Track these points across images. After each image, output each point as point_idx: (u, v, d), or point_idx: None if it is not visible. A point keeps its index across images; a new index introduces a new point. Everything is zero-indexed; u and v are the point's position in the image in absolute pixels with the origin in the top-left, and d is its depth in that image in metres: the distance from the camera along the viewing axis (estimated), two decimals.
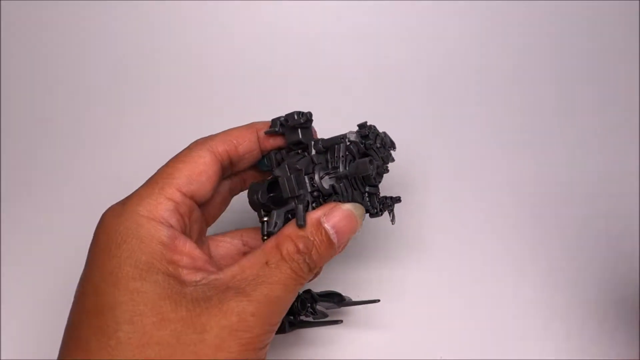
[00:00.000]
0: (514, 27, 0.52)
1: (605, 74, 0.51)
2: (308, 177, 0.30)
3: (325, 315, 0.35)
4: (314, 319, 0.35)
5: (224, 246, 0.34)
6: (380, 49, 0.53)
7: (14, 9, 0.53)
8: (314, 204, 0.30)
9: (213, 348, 0.25)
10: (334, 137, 0.31)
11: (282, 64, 0.52)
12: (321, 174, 0.30)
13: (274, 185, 0.32)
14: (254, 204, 0.32)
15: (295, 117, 0.31)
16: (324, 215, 0.28)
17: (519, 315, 0.41)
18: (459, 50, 0.52)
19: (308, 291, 0.34)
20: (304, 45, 0.53)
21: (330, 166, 0.31)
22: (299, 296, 0.34)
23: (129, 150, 0.50)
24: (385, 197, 0.32)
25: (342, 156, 0.30)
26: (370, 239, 0.44)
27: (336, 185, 0.30)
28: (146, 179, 0.30)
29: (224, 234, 0.35)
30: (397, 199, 0.33)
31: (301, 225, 0.28)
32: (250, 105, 0.50)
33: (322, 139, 0.32)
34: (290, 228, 0.28)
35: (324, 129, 0.34)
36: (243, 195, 0.35)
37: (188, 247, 0.28)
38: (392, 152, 0.33)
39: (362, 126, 0.32)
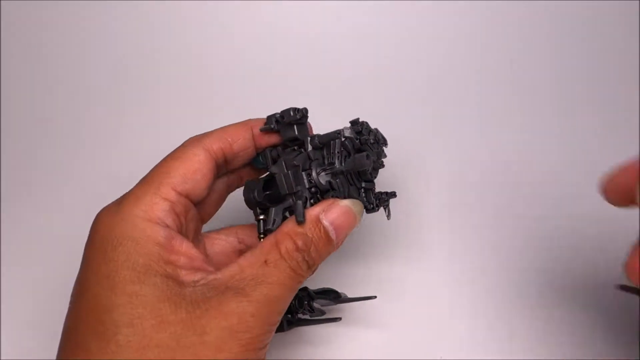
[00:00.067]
0: (514, 27, 0.52)
1: (605, 74, 0.51)
2: (305, 173, 0.30)
3: (323, 313, 0.35)
4: (311, 316, 0.35)
5: (219, 244, 0.33)
6: (380, 49, 0.53)
7: (14, 9, 0.53)
8: (311, 200, 0.30)
9: (213, 349, 0.25)
10: (329, 133, 0.31)
11: (282, 64, 0.52)
12: (318, 170, 0.30)
13: (269, 182, 0.32)
14: (250, 202, 0.32)
15: (291, 113, 0.31)
16: (323, 211, 0.28)
17: (519, 315, 0.41)
18: (459, 50, 0.52)
19: (305, 289, 0.34)
20: (304, 45, 0.53)
21: (326, 162, 0.31)
22: (296, 294, 0.34)
23: (129, 150, 0.50)
24: (381, 193, 0.32)
25: (338, 152, 0.30)
26: (370, 237, 0.44)
27: (333, 181, 0.30)
28: None
29: (218, 231, 0.34)
30: (393, 194, 0.33)
31: (301, 222, 0.28)
32: (250, 105, 0.50)
33: (319, 135, 0.31)
34: (289, 225, 0.28)
35: (324, 129, 0.34)
36: (236, 192, 0.35)
37: (185, 247, 0.27)
38: (384, 148, 0.33)
39: (355, 122, 0.32)
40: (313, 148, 0.31)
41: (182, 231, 0.29)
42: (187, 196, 0.29)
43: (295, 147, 0.32)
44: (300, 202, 0.28)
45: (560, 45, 0.52)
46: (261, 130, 0.32)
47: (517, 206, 0.46)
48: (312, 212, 0.28)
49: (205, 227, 0.34)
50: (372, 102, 0.51)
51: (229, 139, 0.31)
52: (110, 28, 0.53)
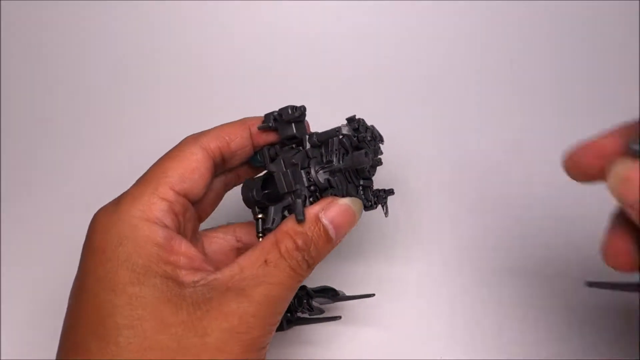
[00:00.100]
0: (514, 27, 0.52)
1: (605, 74, 0.51)
2: (304, 171, 0.30)
3: (322, 311, 0.35)
4: (310, 315, 0.35)
5: (217, 242, 0.33)
6: (380, 49, 0.53)
7: (14, 9, 0.53)
8: (311, 199, 0.30)
9: (214, 351, 0.25)
10: (328, 130, 0.31)
11: (282, 64, 0.52)
12: (316, 168, 0.30)
13: (268, 181, 0.32)
14: (248, 201, 0.32)
15: (290, 111, 0.31)
16: (322, 210, 0.28)
17: (523, 315, 0.41)
18: (459, 50, 0.52)
19: (303, 287, 0.34)
20: (304, 45, 0.53)
21: (324, 160, 0.30)
22: (295, 293, 0.34)
23: (129, 150, 0.50)
24: (379, 190, 0.32)
25: (336, 150, 0.30)
26: (371, 236, 0.44)
27: (331, 179, 0.30)
28: None
29: (215, 229, 0.34)
30: (391, 192, 0.33)
31: (301, 220, 0.28)
32: (250, 105, 0.49)
33: (317, 133, 0.31)
34: (289, 224, 0.28)
35: (323, 129, 0.34)
36: (232, 189, 0.35)
37: (184, 247, 0.27)
38: (381, 145, 0.33)
39: (351, 120, 0.32)
40: (311, 146, 0.31)
41: (180, 231, 0.29)
42: (185, 195, 0.29)
43: (294, 145, 0.32)
44: (299, 201, 0.28)
45: (560, 45, 0.52)
46: (259, 128, 0.32)
47: (518, 206, 0.46)
48: (312, 210, 0.28)
49: (202, 225, 0.34)
50: (372, 102, 0.51)
51: (227, 138, 0.31)
52: (110, 28, 0.53)
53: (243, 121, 0.32)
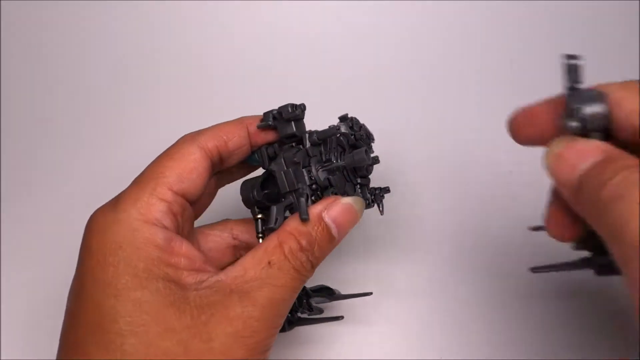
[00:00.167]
0: (514, 27, 0.52)
1: (605, 73, 0.51)
2: (305, 170, 0.30)
3: (321, 311, 0.35)
4: (310, 314, 0.34)
5: (213, 240, 0.33)
6: (380, 49, 0.53)
7: (14, 9, 0.53)
8: (312, 198, 0.29)
9: (219, 355, 0.25)
10: (327, 129, 0.31)
11: (282, 64, 0.52)
12: (317, 167, 0.30)
13: (267, 181, 0.31)
14: (248, 201, 0.32)
15: (289, 109, 0.30)
16: (325, 209, 0.28)
17: (522, 315, 0.41)
18: (458, 51, 0.52)
19: (302, 287, 0.34)
20: (304, 45, 0.53)
21: (324, 158, 0.30)
22: None
23: (129, 150, 0.50)
24: (375, 188, 0.32)
25: (334, 148, 0.30)
26: (370, 235, 0.44)
27: (331, 178, 0.29)
28: None
29: (211, 226, 0.34)
30: (387, 190, 0.33)
31: (305, 219, 0.27)
32: (250, 105, 0.49)
33: (317, 131, 0.31)
34: (292, 224, 0.28)
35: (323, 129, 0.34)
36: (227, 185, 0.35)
37: (185, 247, 0.27)
38: (372, 144, 0.33)
39: (344, 118, 0.32)
40: (311, 144, 0.31)
41: (179, 231, 0.28)
42: (183, 196, 0.28)
43: (293, 144, 0.32)
44: (302, 200, 0.28)
45: (560, 45, 0.52)
46: (258, 127, 0.31)
47: (518, 206, 0.46)
48: (315, 210, 0.28)
49: (196, 222, 0.34)
50: (372, 102, 0.51)
51: (224, 137, 0.30)
52: (110, 28, 0.53)
53: (241, 120, 0.32)
